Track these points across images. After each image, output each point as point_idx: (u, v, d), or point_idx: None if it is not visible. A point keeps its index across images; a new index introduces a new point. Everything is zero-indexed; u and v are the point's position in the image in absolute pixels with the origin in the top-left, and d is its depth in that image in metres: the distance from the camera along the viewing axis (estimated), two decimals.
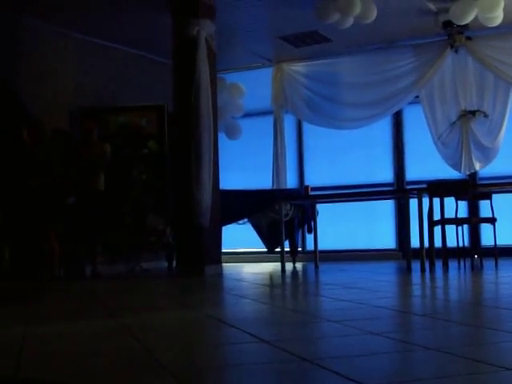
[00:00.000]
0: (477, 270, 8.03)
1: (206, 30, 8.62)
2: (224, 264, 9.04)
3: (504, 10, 8.67)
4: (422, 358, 2.84)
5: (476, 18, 8.81)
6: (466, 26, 9.36)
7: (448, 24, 9.41)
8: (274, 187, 11.32)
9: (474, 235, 9.89)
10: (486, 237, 9.95)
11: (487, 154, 10.17)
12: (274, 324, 4.11)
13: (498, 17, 8.75)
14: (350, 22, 8.75)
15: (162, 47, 9.61)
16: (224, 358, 3.09)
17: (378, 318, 4.09)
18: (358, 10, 8.49)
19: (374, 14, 8.71)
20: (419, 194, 8.13)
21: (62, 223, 8.44)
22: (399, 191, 10.45)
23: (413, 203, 8.23)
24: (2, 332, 3.92)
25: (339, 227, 11.06)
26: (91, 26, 9.60)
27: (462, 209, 9.11)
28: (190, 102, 8.50)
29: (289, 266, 9.46)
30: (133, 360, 2.93)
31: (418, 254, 7.97)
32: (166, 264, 9.81)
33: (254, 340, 3.39)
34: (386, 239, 11.03)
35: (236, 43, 10.52)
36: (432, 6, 9.18)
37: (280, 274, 8.42)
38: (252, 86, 11.60)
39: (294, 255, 10.29)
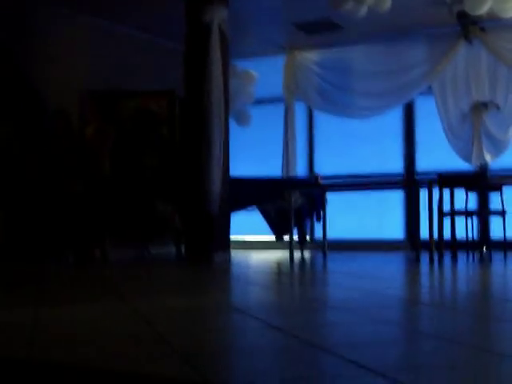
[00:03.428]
0: (486, 262, 8.03)
1: (219, 16, 8.60)
2: (233, 251, 9.05)
3: None
4: (431, 346, 2.84)
5: (491, 9, 8.75)
6: (480, 17, 9.31)
7: (462, 14, 9.35)
8: (284, 175, 11.32)
9: (484, 227, 9.86)
10: (496, 229, 9.93)
11: (498, 146, 10.14)
12: (283, 311, 4.11)
13: None
14: (364, 10, 8.71)
15: (174, 33, 9.58)
16: (234, 343, 3.09)
17: (388, 307, 4.09)
18: None
19: (388, 4, 8.66)
20: (429, 185, 8.11)
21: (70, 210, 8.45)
22: (409, 182, 10.43)
23: (422, 194, 8.22)
24: (14, 313, 3.94)
25: (348, 217, 11.04)
26: (103, 9, 9.58)
27: (472, 201, 9.10)
28: (201, 88, 8.49)
29: (297, 254, 9.46)
30: (144, 343, 2.94)
31: (426, 245, 7.96)
32: (174, 250, 9.83)
33: (265, 326, 3.39)
34: (395, 230, 11.02)
35: (249, 30, 10.49)
36: None
37: (288, 262, 8.43)
38: (264, 73, 11.58)
39: (302, 244, 10.29)
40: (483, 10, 8.78)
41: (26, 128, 8.61)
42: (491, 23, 9.69)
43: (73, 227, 8.53)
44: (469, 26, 9.82)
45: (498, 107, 10.06)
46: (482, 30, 9.88)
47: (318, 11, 9.56)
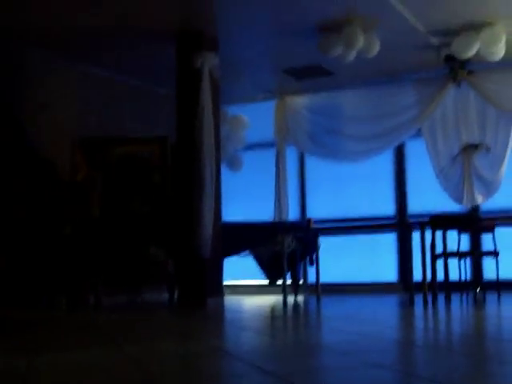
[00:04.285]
0: (479, 303, 8.01)
1: (209, 62, 8.68)
2: (226, 296, 9.01)
3: (506, 44, 8.75)
4: None
5: (478, 52, 8.87)
6: (468, 60, 9.41)
7: (450, 58, 9.47)
8: (276, 219, 11.32)
9: (477, 268, 9.87)
10: (489, 270, 9.93)
11: (489, 188, 10.18)
12: (278, 356, 4.08)
13: (499, 51, 8.83)
14: (352, 55, 8.82)
15: (165, 79, 9.65)
16: None
17: (383, 351, 4.07)
18: (360, 44, 8.56)
19: (376, 48, 8.78)
20: (422, 227, 8.12)
21: (61, 254, 8.46)
22: (402, 224, 10.45)
23: (415, 236, 8.23)
24: (4, 362, 3.90)
25: (341, 260, 11.02)
26: (94, 57, 9.66)
27: (465, 242, 9.10)
28: (192, 133, 8.54)
29: (290, 298, 9.43)
30: None
31: (419, 287, 7.95)
32: (167, 296, 9.78)
33: (259, 372, 3.36)
34: (388, 272, 11.00)
35: (239, 75, 10.58)
36: (434, 41, 9.25)
37: (282, 306, 8.39)
38: (255, 119, 11.64)
39: (295, 288, 10.26)
40: (471, 53, 8.90)
41: (16, 174, 8.62)
42: (479, 66, 9.79)
43: (65, 272, 8.50)
44: (457, 69, 9.92)
45: (487, 149, 10.12)
46: (470, 72, 9.97)
47: (308, 57, 9.66)
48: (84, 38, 8.98)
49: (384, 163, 11.19)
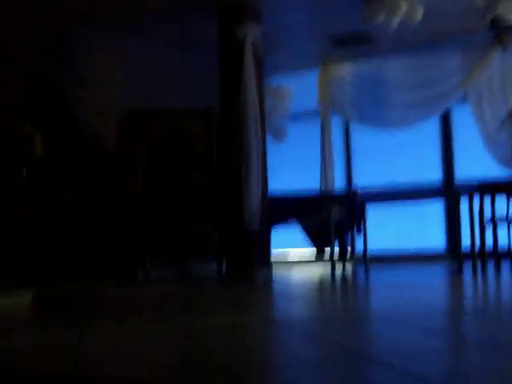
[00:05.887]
0: None
1: (252, 33, 8.66)
2: (274, 266, 9.04)
3: None
4: (478, 354, 2.83)
5: None
6: None
7: (496, 22, 9.31)
8: (322, 188, 11.31)
9: None
10: None
11: None
12: (329, 323, 4.10)
13: None
14: (396, 22, 8.72)
15: (208, 50, 9.64)
16: (282, 356, 3.09)
17: (432, 317, 4.07)
18: (403, 10, 8.46)
19: (420, 14, 8.66)
20: (470, 193, 8.04)
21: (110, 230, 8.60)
22: (449, 191, 10.36)
23: (463, 203, 8.15)
24: (58, 333, 3.97)
25: (388, 229, 10.98)
26: (136, 30, 9.66)
27: None
28: (237, 105, 8.54)
29: (338, 267, 9.43)
30: (191, 360, 2.95)
31: (468, 254, 7.89)
32: (215, 268, 9.85)
33: (311, 338, 3.39)
34: (436, 240, 10.94)
35: (281, 45, 10.53)
36: (480, 4, 9.09)
37: (330, 275, 8.41)
38: (298, 88, 11.59)
39: (343, 256, 10.25)
40: None
41: (65, 149, 8.74)
42: None
43: (113, 246, 8.62)
44: (503, 33, 9.76)
45: None
46: None
47: (351, 24, 9.58)
48: (124, 11, 8.99)
49: (430, 130, 11.09)
